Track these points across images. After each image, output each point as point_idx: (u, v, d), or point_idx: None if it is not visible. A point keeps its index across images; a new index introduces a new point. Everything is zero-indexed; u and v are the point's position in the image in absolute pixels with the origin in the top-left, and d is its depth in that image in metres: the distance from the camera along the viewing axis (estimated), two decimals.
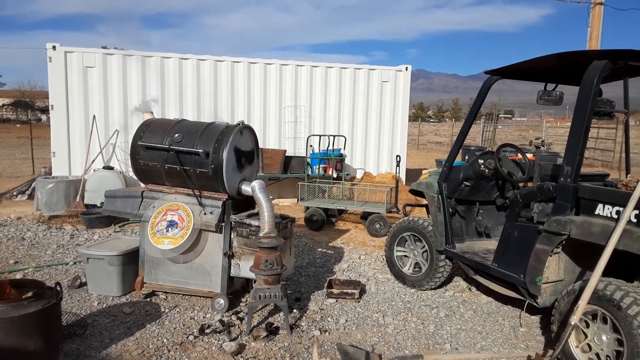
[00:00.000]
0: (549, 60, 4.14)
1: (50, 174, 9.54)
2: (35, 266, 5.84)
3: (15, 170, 14.21)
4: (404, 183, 10.51)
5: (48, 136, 9.83)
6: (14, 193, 10.42)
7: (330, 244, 7.35)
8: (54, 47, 9.15)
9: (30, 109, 45.34)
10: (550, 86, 4.66)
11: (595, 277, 3.33)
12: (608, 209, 3.54)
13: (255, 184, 4.61)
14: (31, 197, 9.79)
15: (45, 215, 8.33)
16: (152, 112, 5.37)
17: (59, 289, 3.44)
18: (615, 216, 3.47)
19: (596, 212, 3.61)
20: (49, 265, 5.91)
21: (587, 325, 3.52)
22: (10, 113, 48.20)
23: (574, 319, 3.36)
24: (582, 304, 3.35)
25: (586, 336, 3.51)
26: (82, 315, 4.37)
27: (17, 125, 37.36)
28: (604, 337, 3.40)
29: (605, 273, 3.39)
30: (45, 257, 6.27)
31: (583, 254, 3.91)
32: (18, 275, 5.50)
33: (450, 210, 5.06)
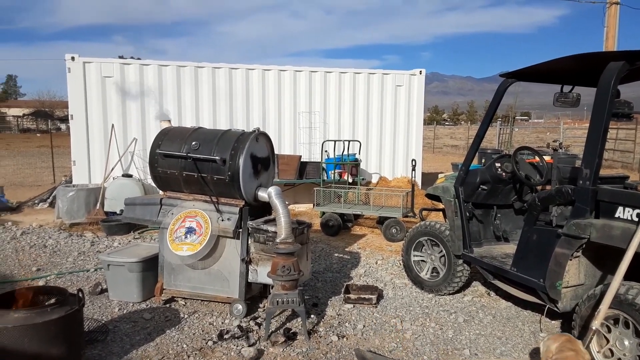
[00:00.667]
0: (565, 62, 4.11)
1: (71, 182, 9.71)
2: (57, 273, 5.95)
3: (37, 179, 14.49)
4: (420, 187, 10.47)
5: (68, 145, 10.02)
6: (36, 201, 10.63)
7: (346, 249, 7.35)
8: (72, 58, 9.33)
9: (50, 119, 46.22)
10: (566, 88, 4.62)
11: (617, 281, 3.29)
12: (628, 211, 3.49)
13: (272, 190, 4.64)
14: (52, 205, 9.98)
15: (66, 222, 8.48)
16: (169, 121, 5.44)
17: (81, 295, 3.50)
18: (635, 219, 3.42)
19: (616, 215, 3.56)
20: (70, 272, 6.02)
21: (609, 330, 3.47)
22: (31, 123, 49.18)
23: (595, 324, 3.32)
24: (604, 309, 3.31)
25: (608, 341, 3.47)
26: (103, 321, 4.44)
27: (38, 135, 38.10)
28: (626, 342, 3.35)
29: (627, 277, 3.34)
30: (66, 264, 6.38)
31: (604, 257, 3.85)
32: (41, 282, 5.60)
33: (468, 214, 5.03)
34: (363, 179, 10.39)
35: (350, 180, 9.60)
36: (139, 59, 9.96)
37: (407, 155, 11.08)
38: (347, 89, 10.80)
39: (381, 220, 8.24)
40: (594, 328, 3.32)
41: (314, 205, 8.69)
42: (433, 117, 72.78)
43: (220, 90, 10.12)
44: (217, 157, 4.54)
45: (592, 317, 3.38)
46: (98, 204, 8.72)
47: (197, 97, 10.00)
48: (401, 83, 10.98)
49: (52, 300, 3.52)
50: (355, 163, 9.88)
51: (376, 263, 6.61)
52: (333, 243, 7.70)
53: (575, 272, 3.88)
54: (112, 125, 9.55)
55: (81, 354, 3.57)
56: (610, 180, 4.26)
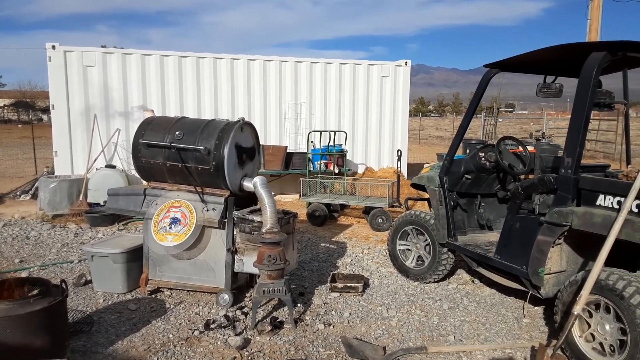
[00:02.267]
0: (548, 52, 4.15)
1: (53, 173, 9.57)
2: (40, 265, 5.88)
3: (18, 170, 14.25)
4: (406, 177, 10.52)
5: (50, 136, 9.86)
6: (18, 193, 10.46)
7: (333, 239, 7.37)
8: (53, 47, 9.16)
9: (31, 109, 45.38)
10: (549, 79, 4.67)
11: (598, 267, 3.35)
12: (609, 199, 3.55)
13: (257, 179, 4.62)
14: (34, 196, 9.83)
15: (49, 214, 8.37)
16: (152, 110, 5.38)
17: (64, 286, 3.46)
18: (616, 206, 3.48)
19: (597, 203, 3.63)
20: (54, 263, 5.95)
21: (590, 315, 3.54)
22: (12, 113, 48.23)
23: (577, 309, 3.38)
24: (585, 294, 3.37)
25: (589, 326, 3.54)
26: (87, 313, 4.41)
27: (19, 126, 37.39)
28: (607, 327, 3.43)
29: (608, 263, 3.40)
30: (50, 255, 6.30)
31: (585, 244, 3.92)
32: (23, 274, 5.53)
33: (452, 203, 5.08)
34: (349, 170, 10.41)
35: (336, 170, 9.61)
36: (122, 48, 9.81)
37: (392, 146, 11.12)
38: (333, 80, 10.78)
39: (367, 210, 8.27)
40: (575, 313, 3.38)
41: (300, 195, 8.69)
42: (419, 109, 73.01)
43: (205, 81, 10.03)
44: (201, 147, 4.51)
45: (574, 303, 3.44)
46: (81, 195, 8.62)
47: (180, 87, 9.90)
48: (387, 74, 10.99)
49: (35, 292, 3.47)
50: (342, 154, 9.89)
51: (362, 252, 6.65)
52: (319, 233, 7.72)
53: (557, 259, 3.95)
54: (95, 115, 9.41)
55: (65, 345, 3.53)
56: (592, 169, 4.32)
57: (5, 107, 49.01)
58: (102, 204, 8.25)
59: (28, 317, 3.18)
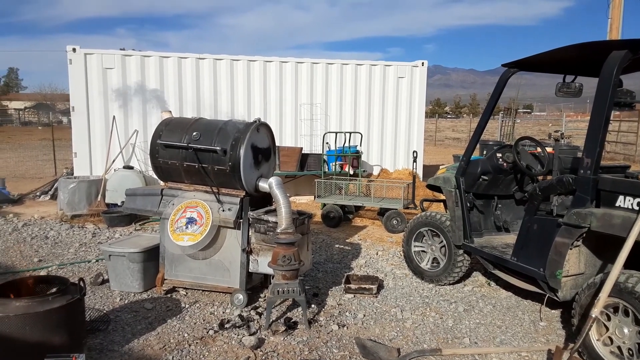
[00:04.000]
0: (568, 51, 4.09)
1: (72, 174, 9.72)
2: (58, 264, 5.98)
3: (38, 172, 14.52)
4: (421, 179, 10.46)
5: (69, 138, 10.02)
6: (37, 193, 10.66)
7: (347, 240, 7.36)
8: (74, 50, 9.32)
9: (51, 111, 46.23)
10: (569, 78, 4.60)
11: (617, 269, 3.29)
12: (629, 200, 3.49)
13: (272, 180, 4.64)
14: (54, 197, 10.01)
15: (68, 214, 8.51)
16: (170, 111, 5.44)
17: (82, 284, 3.52)
18: (636, 208, 3.41)
19: (617, 204, 3.56)
20: (72, 263, 6.04)
21: (609, 319, 3.48)
22: (32, 116, 49.19)
23: (595, 312, 3.32)
24: (603, 297, 3.31)
25: (607, 329, 3.48)
26: (104, 311, 4.47)
27: (39, 128, 38.12)
28: (625, 330, 3.36)
29: (627, 265, 3.34)
30: (68, 255, 6.40)
31: (604, 246, 3.85)
32: (42, 273, 5.63)
33: (468, 204, 5.03)
34: (364, 171, 10.38)
35: (351, 172, 9.60)
36: (140, 51, 9.95)
37: (408, 147, 11.06)
38: (349, 81, 10.77)
39: (382, 212, 8.24)
40: (593, 316, 3.32)
41: (315, 197, 8.69)
42: (435, 110, 72.57)
43: (222, 82, 10.10)
44: (217, 148, 4.54)
45: (592, 306, 3.38)
46: (99, 196, 8.74)
47: (198, 88, 9.99)
48: (403, 74, 10.94)
49: (54, 290, 3.54)
50: (357, 155, 9.87)
51: (377, 254, 6.63)
52: (334, 234, 7.71)
53: (576, 261, 3.88)
54: (114, 117, 9.55)
55: (83, 342, 3.58)
56: (611, 170, 4.24)
57: (26, 110, 49.97)
58: (119, 204, 8.37)
59: (46, 314, 3.23)
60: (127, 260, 4.92)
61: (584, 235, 3.75)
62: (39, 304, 3.25)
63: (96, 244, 6.85)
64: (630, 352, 3.33)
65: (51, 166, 14.70)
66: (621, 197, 3.54)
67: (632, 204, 3.46)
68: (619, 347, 3.41)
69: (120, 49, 9.84)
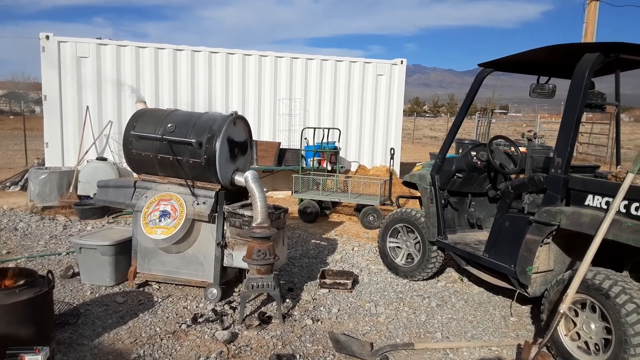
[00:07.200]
0: (542, 52, 4.15)
1: (44, 164, 9.49)
2: (28, 256, 5.83)
3: (9, 162, 14.14)
4: (398, 176, 10.54)
5: (41, 128, 9.78)
6: (7, 184, 10.37)
7: (323, 236, 7.37)
8: (47, 37, 9.08)
9: (23, 100, 45.01)
10: (543, 79, 4.68)
11: (584, 266, 3.37)
12: (598, 199, 3.58)
13: (248, 174, 4.61)
14: (24, 188, 9.74)
15: (38, 206, 8.30)
16: (145, 102, 5.35)
17: (50, 277, 3.43)
18: (604, 207, 3.50)
19: (586, 203, 3.65)
20: (41, 255, 5.90)
21: (577, 314, 3.56)
22: (4, 105, 47.81)
23: (563, 307, 3.40)
24: (571, 293, 3.39)
25: (575, 325, 3.56)
26: (74, 305, 4.38)
27: (11, 117, 37.05)
28: (592, 326, 3.45)
29: (595, 263, 3.43)
30: (38, 247, 6.25)
31: (573, 244, 3.94)
32: (10, 265, 5.48)
33: (443, 201, 5.09)
34: (342, 167, 10.41)
35: (329, 168, 9.61)
36: (117, 40, 9.75)
37: (386, 144, 11.13)
38: (329, 77, 10.77)
39: (359, 208, 8.28)
40: (561, 312, 3.40)
41: (292, 192, 8.68)
42: (414, 109, 73.12)
43: (199, 74, 9.98)
44: (193, 140, 4.48)
45: (561, 302, 3.45)
46: (71, 187, 8.55)
47: (174, 80, 9.85)
48: (382, 72, 10.99)
49: (21, 282, 3.44)
50: (335, 151, 9.88)
51: (352, 249, 6.65)
52: (310, 230, 7.72)
53: (545, 258, 3.97)
54: (87, 107, 9.35)
55: (51, 336, 3.50)
56: (582, 170, 4.34)
57: None
58: (92, 196, 8.20)
59: (13, 307, 3.14)
60: (98, 253, 4.83)
61: (554, 232, 3.83)
62: (6, 296, 3.16)
63: (67, 237, 6.70)
64: (597, 347, 3.41)
65: (22, 156, 14.31)
66: (590, 196, 3.63)
67: (600, 203, 3.55)
68: (586, 342, 3.49)
69: (97, 38, 9.63)
